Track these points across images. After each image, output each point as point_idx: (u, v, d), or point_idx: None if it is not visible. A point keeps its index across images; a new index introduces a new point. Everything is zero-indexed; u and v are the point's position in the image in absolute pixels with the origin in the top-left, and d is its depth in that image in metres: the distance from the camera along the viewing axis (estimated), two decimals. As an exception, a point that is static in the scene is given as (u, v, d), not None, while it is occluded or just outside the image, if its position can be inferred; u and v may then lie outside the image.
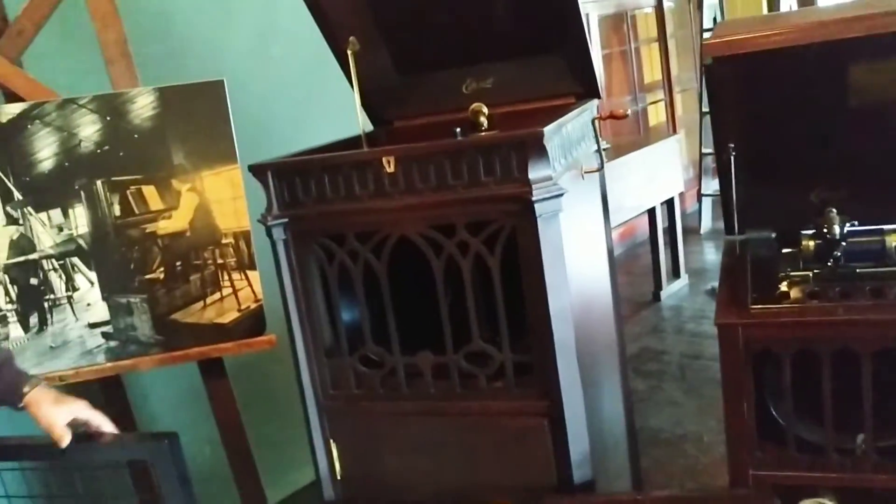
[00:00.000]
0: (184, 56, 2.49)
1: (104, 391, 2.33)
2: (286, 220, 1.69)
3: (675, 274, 4.76)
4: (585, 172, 1.81)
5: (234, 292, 2.13)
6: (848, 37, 1.44)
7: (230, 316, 2.14)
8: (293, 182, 1.66)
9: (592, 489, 1.64)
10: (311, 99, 2.78)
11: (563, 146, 1.66)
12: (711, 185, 5.86)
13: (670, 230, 4.72)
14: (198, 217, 2.10)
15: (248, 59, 2.70)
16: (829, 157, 1.73)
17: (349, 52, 1.90)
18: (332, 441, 1.79)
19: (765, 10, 5.97)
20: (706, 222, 5.78)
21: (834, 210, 1.57)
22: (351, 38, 1.91)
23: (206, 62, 2.46)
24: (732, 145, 1.71)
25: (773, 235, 1.76)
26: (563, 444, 1.59)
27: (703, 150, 5.71)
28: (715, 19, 5.63)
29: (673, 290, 4.69)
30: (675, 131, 5.48)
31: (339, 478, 1.81)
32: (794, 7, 5.66)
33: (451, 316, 1.66)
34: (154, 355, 2.10)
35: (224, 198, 2.10)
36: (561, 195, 1.50)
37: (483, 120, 1.81)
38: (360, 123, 2.01)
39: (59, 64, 2.20)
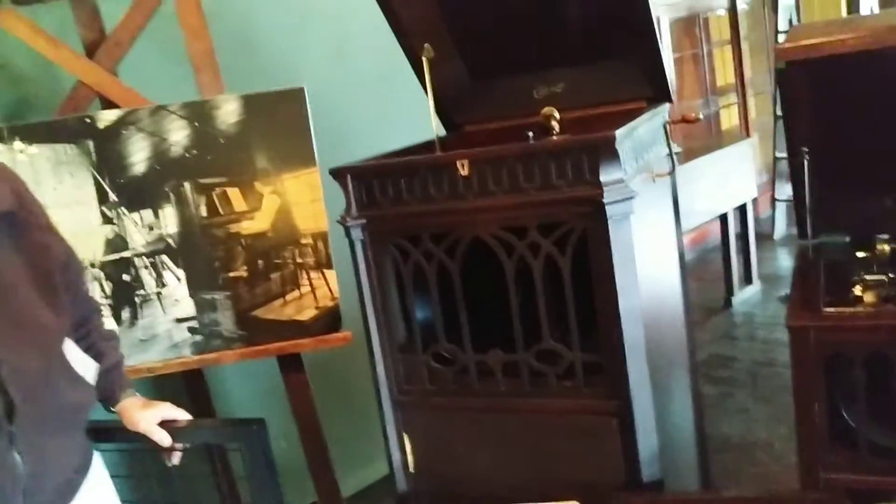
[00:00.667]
0: (266, 65, 2.60)
1: (187, 384, 2.46)
2: (364, 220, 1.76)
3: (748, 280, 4.69)
4: (657, 176, 1.83)
5: (312, 290, 2.22)
6: None
7: (308, 313, 2.22)
8: (371, 184, 1.74)
9: (661, 489, 1.66)
10: (386, 104, 2.87)
11: (635, 149, 1.69)
12: (786, 190, 5.74)
13: (743, 235, 4.65)
14: (279, 218, 2.20)
15: (327, 66, 2.81)
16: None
17: (424, 59, 1.96)
18: (405, 435, 1.85)
19: (843, 13, 5.82)
20: (780, 228, 5.66)
21: (910, 214, 1.56)
22: (426, 45, 1.97)
23: (287, 70, 2.57)
24: (806, 149, 1.71)
25: (847, 240, 1.75)
26: (632, 443, 1.62)
27: (777, 155, 5.60)
28: (790, 21, 5.52)
29: (745, 296, 4.62)
30: (748, 135, 5.40)
31: (411, 471, 1.87)
32: (875, 9, 5.50)
33: (521, 315, 1.70)
34: (236, 349, 2.21)
35: (303, 200, 2.19)
36: (632, 198, 1.53)
37: (554, 124, 1.85)
38: (434, 128, 2.07)
39: (150, 72, 2.33)
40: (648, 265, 1.70)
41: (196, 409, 2.37)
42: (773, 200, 5.65)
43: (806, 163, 1.71)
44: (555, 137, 1.67)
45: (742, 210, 4.60)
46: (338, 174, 1.76)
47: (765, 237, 5.48)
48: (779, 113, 5.54)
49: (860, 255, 1.63)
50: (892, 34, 1.46)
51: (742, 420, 3.34)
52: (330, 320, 2.22)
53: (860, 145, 1.72)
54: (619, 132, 1.53)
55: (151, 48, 2.29)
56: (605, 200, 1.51)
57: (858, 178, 1.76)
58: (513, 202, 1.61)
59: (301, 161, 2.18)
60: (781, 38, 5.53)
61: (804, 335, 1.45)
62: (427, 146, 2.01)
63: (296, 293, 2.22)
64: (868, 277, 1.55)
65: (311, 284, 2.22)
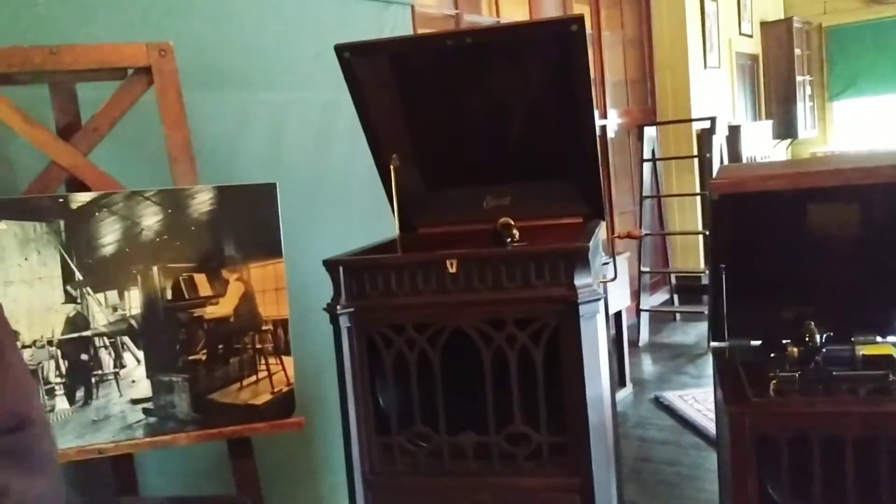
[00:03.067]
0: (240, 159, 2.76)
1: (115, 467, 2.42)
2: (352, 309, 1.91)
3: (622, 383, 5.10)
4: (601, 282, 2.12)
5: (269, 376, 2.31)
6: (818, 186, 1.83)
7: (263, 398, 2.30)
8: (362, 277, 1.91)
9: (613, 560, 1.86)
10: (348, 201, 3.07)
11: (592, 259, 1.97)
12: (648, 301, 6.32)
13: (617, 341, 5.08)
14: (242, 304, 2.29)
15: (298, 163, 3.00)
16: (800, 280, 2.10)
17: (391, 168, 2.20)
18: (374, 515, 1.96)
19: (694, 145, 6.63)
20: (644, 336, 6.19)
21: (812, 323, 1.91)
22: (393, 156, 2.21)
23: (261, 166, 2.74)
24: (724, 265, 2.06)
25: (759, 343, 2.09)
26: (592, 518, 1.82)
27: (642, 269, 6.19)
28: (653, 151, 6.23)
29: (619, 397, 5.01)
30: (613, 250, 5.95)
31: (378, 550, 1.97)
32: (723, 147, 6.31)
33: (493, 400, 1.90)
34: (189, 432, 2.24)
35: (267, 288, 2.31)
36: (599, 299, 1.80)
37: (515, 233, 2.11)
38: (397, 228, 2.29)
39: (118, 160, 2.41)
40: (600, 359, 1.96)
41: (118, 483, 2.37)
42: (638, 311, 6.19)
43: (724, 277, 2.05)
44: (534, 246, 1.92)
45: (617, 318, 5.05)
46: (331, 266, 1.92)
47: (631, 344, 5.98)
48: (646, 231, 6.17)
49: (773, 355, 1.96)
50: (804, 178, 1.85)
51: (632, 510, 3.62)
52: (284, 405, 2.31)
53: (765, 264, 2.09)
54: (590, 244, 1.80)
55: (122, 135, 2.38)
56: (579, 301, 1.76)
57: (763, 291, 2.12)
58: (494, 298, 1.83)
59: (268, 251, 2.30)
60: (647, 166, 6.23)
61: (741, 420, 1.73)
62: (390, 245, 2.21)
63: (253, 378, 2.30)
64: (782, 374, 1.88)
65: (268, 370, 2.31)
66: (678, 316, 6.76)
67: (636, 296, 6.20)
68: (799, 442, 1.73)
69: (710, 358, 5.83)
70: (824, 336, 1.88)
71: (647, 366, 5.80)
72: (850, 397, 1.76)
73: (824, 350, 1.87)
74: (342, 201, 3.07)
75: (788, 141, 8.83)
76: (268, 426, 2.29)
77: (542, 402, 1.84)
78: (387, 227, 2.38)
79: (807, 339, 1.89)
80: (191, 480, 2.73)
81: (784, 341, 1.98)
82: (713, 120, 6.03)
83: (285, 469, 2.80)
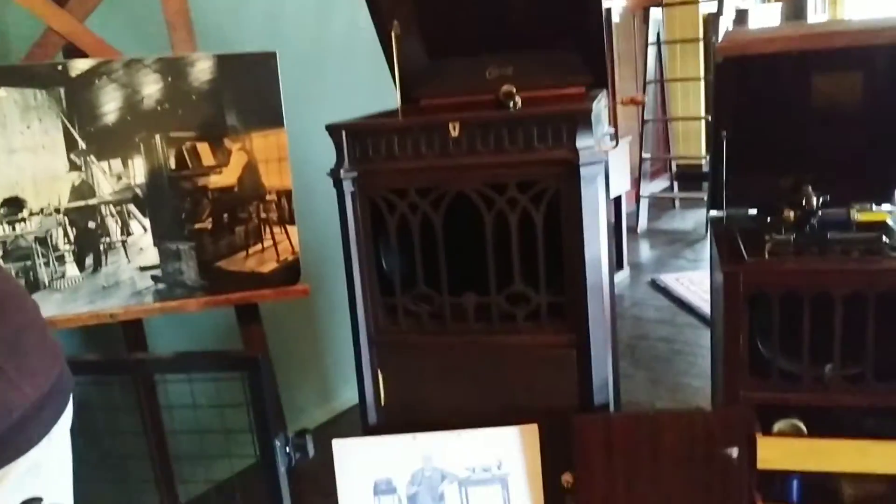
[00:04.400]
0: (241, 27, 2.71)
1: (126, 333, 2.51)
2: (356, 174, 1.93)
3: (619, 265, 5.18)
4: (603, 150, 2.13)
5: (275, 245, 2.35)
6: (824, 47, 1.81)
7: (269, 266, 2.35)
8: (365, 141, 1.92)
9: (608, 410, 1.96)
10: (349, 73, 3.04)
11: (594, 124, 1.97)
12: (648, 188, 6.34)
13: (616, 226, 5.13)
14: (245, 174, 2.31)
15: (299, 34, 2.94)
16: (799, 147, 2.11)
17: (393, 35, 2.17)
18: (379, 372, 2.04)
19: (700, 29, 6.49)
20: (643, 222, 6.24)
21: (810, 187, 1.94)
22: (395, 23, 2.18)
23: (261, 36, 2.69)
24: (725, 132, 2.06)
25: (755, 211, 2.12)
26: (587, 372, 1.90)
27: (643, 156, 6.18)
28: (658, 34, 6.10)
29: (616, 280, 5.10)
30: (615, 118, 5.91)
31: (382, 404, 2.06)
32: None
33: (487, 265, 1.94)
34: (198, 298, 2.30)
35: (270, 158, 2.32)
36: (601, 162, 1.82)
37: (517, 101, 2.10)
38: (398, 99, 2.28)
39: (119, 27, 2.37)
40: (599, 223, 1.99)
41: (129, 346, 2.46)
42: (638, 198, 6.22)
43: (725, 143, 2.05)
44: (538, 108, 1.92)
45: (617, 202, 5.08)
46: (334, 130, 1.93)
47: (630, 230, 6.04)
48: (648, 117, 6.12)
49: (769, 220, 2.00)
50: (810, 40, 1.83)
51: (625, 384, 3.74)
52: (289, 273, 2.37)
53: (766, 132, 2.10)
54: (593, 105, 1.80)
55: (118, 3, 2.34)
56: (580, 163, 1.78)
57: (761, 159, 2.13)
58: (496, 162, 1.85)
59: (269, 121, 2.30)
60: (651, 49, 6.11)
61: (735, 278, 1.78)
62: (391, 115, 2.21)
63: (258, 246, 2.35)
64: (777, 237, 1.91)
65: (273, 239, 2.35)
66: (677, 203, 6.80)
67: (636, 183, 6.21)
68: (789, 301, 1.78)
69: (707, 243, 5.91)
70: (821, 200, 1.90)
71: (645, 251, 5.88)
72: (842, 257, 1.80)
73: (820, 213, 1.90)
74: (343, 72, 3.04)
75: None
76: (274, 293, 2.35)
77: (541, 264, 1.89)
78: (388, 98, 2.37)
79: (804, 202, 1.92)
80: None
81: (785, 206, 2.01)
82: (720, 2, 5.87)
83: (292, 341, 2.90)
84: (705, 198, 6.12)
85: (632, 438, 1.85)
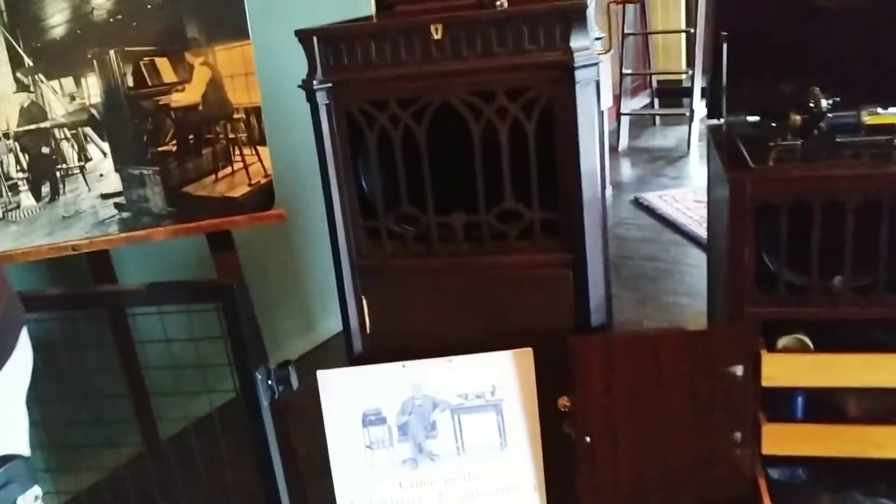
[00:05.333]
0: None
1: (92, 266, 2.36)
2: (330, 84, 1.78)
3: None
4: (598, 53, 1.97)
5: (245, 167, 2.20)
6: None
7: (241, 190, 2.20)
8: (339, 48, 1.75)
9: (606, 331, 1.87)
10: None
11: (588, 25, 1.82)
12: (629, 105, 6.19)
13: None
14: (210, 91, 2.14)
15: None
16: (802, 50, 1.97)
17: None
18: (363, 298, 1.93)
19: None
20: (623, 140, 6.11)
21: (817, 89, 1.81)
22: (368, -81, 1.98)
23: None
24: (725, 33, 1.92)
25: (758, 118, 2.00)
26: (584, 292, 1.80)
27: (623, 72, 6.00)
28: (638, -57, 5.84)
29: (599, 199, 4.99)
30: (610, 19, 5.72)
31: (367, 332, 1.95)
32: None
33: (476, 181, 1.81)
34: (166, 226, 2.15)
35: (236, 73, 2.15)
36: (597, 64, 1.67)
37: (502, 1, 1.94)
38: (373, 5, 2.10)
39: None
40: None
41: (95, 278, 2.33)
42: (619, 115, 6.07)
43: (725, 46, 1.91)
44: (527, 5, 1.76)
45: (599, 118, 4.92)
46: (304, 36, 1.76)
47: (611, 149, 5.90)
48: (627, 30, 5.92)
49: (774, 125, 1.88)
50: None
51: (613, 304, 3.68)
52: (263, 197, 2.22)
53: (768, 35, 1.95)
54: (588, 2, 1.65)
55: None
56: (575, 65, 1.64)
57: (764, 65, 2.00)
58: (484, 67, 1.70)
59: (234, 33, 2.11)
60: (631, -41, 5.85)
61: (741, 187, 1.67)
62: (365, 20, 2.03)
63: (228, 169, 2.19)
64: (783, 143, 1.80)
65: (244, 161, 2.20)
66: (658, 120, 6.66)
67: (617, 100, 6.05)
68: (795, 210, 1.68)
69: (690, 160, 5.81)
70: (830, 102, 1.78)
71: (627, 169, 5.77)
72: (854, 162, 1.69)
73: (830, 117, 1.78)
74: None
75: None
76: (248, 219, 2.20)
77: (534, 178, 1.76)
78: (362, 4, 2.19)
79: (811, 105, 1.80)
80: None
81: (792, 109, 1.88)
82: None
83: (271, 269, 2.77)
84: (687, 114, 5.99)
85: (632, 360, 1.76)
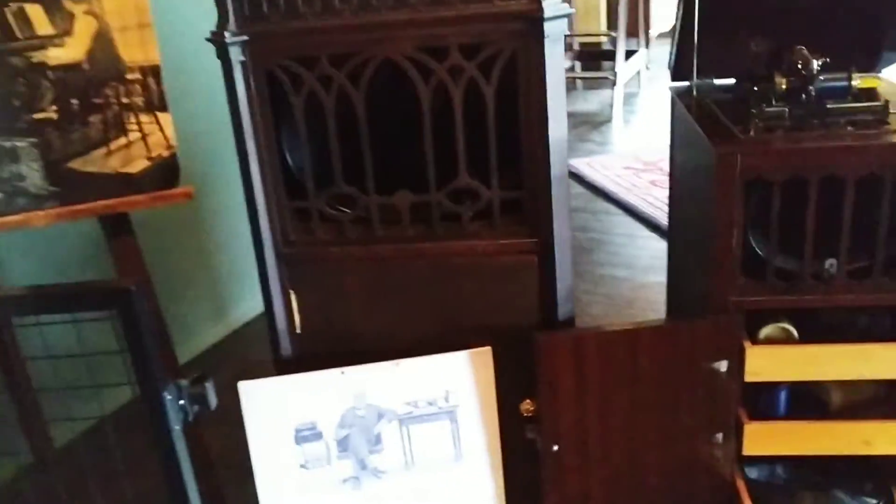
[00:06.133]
0: None
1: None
2: (246, 37, 1.46)
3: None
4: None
5: (144, 137, 1.85)
6: None
7: (139, 165, 1.86)
8: (256, -8, 1.44)
9: (572, 326, 1.64)
10: None
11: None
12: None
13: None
14: (97, 47, 1.78)
15: None
16: (769, 8, 1.77)
17: None
18: (291, 293, 1.64)
19: None
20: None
21: (805, 48, 1.61)
22: None
23: None
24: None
25: (732, 82, 1.79)
26: (551, 281, 1.57)
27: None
28: None
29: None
30: None
31: (297, 332, 1.67)
32: None
33: (423, 154, 1.54)
34: (49, 209, 1.79)
35: (128, 24, 1.79)
36: (568, 15, 1.42)
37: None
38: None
39: None
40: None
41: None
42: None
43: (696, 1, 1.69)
44: None
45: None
46: (213, -23, 1.43)
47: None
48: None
49: (755, 89, 1.67)
50: None
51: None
52: (165, 173, 1.88)
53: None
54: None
55: None
56: (544, 16, 1.38)
57: (731, 22, 1.79)
58: (434, 17, 1.42)
59: (123, -25, 1.76)
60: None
61: (731, 160, 1.46)
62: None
63: (122, 140, 1.84)
64: (769, 109, 1.59)
65: (141, 130, 1.85)
66: (579, 83, 6.49)
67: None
68: (788, 186, 1.48)
69: (613, 125, 5.67)
70: (820, 63, 1.59)
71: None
72: (854, 131, 1.50)
73: (822, 78, 1.58)
74: None
75: None
76: (149, 198, 1.86)
77: (493, 150, 1.50)
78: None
79: (799, 66, 1.59)
80: (65, 270, 2.33)
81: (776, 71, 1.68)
82: None
83: (175, 251, 2.42)
84: (610, 77, 5.84)
85: (606, 357, 1.54)
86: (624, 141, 5.29)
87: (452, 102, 1.47)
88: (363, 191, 1.56)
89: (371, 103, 1.50)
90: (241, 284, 2.98)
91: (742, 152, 1.46)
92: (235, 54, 1.46)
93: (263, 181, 1.55)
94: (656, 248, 3.70)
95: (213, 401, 1.41)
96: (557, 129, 1.46)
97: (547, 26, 1.39)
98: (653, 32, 6.92)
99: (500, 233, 1.56)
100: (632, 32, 6.37)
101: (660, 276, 3.33)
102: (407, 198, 1.56)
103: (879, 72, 1.85)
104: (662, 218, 3.83)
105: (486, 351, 1.59)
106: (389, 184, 1.57)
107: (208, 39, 1.48)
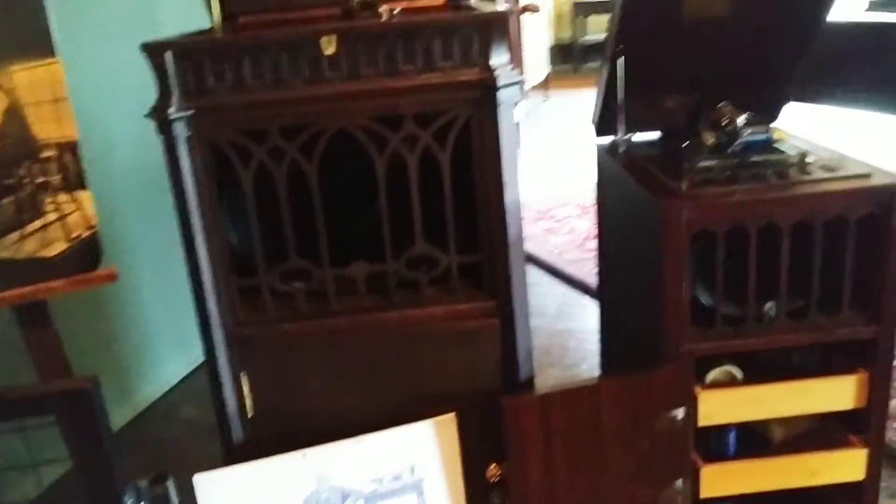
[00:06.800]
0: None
1: None
2: (192, 112, 1.40)
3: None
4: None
5: (62, 218, 1.73)
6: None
7: (57, 247, 1.73)
8: (202, 66, 1.38)
9: (532, 386, 1.64)
10: None
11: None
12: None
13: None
14: (8, 123, 1.65)
15: None
16: (682, 65, 1.88)
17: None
18: (243, 375, 1.55)
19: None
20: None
21: (729, 104, 1.72)
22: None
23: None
24: (622, 46, 1.78)
25: (659, 137, 1.88)
26: (512, 343, 1.57)
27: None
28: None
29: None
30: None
31: (249, 416, 1.58)
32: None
33: (378, 222, 1.52)
34: (-45, 302, 1.64)
35: (42, 99, 1.68)
36: (519, 83, 1.45)
37: (384, 10, 1.66)
38: (216, 13, 1.74)
39: None
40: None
41: None
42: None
43: (621, 63, 1.77)
44: (443, 13, 1.49)
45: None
46: (154, 52, 1.36)
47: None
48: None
49: (685, 145, 1.75)
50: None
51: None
52: (86, 254, 1.76)
53: (652, 53, 1.83)
54: (504, 9, 1.42)
55: None
56: (498, 84, 1.40)
57: (648, 79, 1.88)
58: (388, 87, 1.41)
59: (36, 48, 1.66)
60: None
61: (677, 215, 1.52)
62: (207, 33, 1.67)
63: (38, 223, 1.71)
64: (702, 164, 1.67)
65: (58, 210, 1.73)
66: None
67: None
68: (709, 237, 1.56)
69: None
70: (745, 118, 1.69)
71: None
72: (785, 182, 1.60)
73: (747, 133, 1.68)
74: None
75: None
76: (68, 283, 1.74)
77: (449, 216, 1.50)
78: (198, 15, 1.81)
79: (725, 123, 1.69)
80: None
81: (705, 126, 1.77)
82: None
83: (92, 341, 2.24)
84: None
85: (572, 416, 1.55)
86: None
87: (408, 170, 1.45)
88: (318, 263, 1.51)
89: (323, 172, 1.46)
90: (144, 365, 2.80)
91: (687, 206, 1.53)
92: (180, 130, 1.40)
93: (211, 260, 1.48)
94: (562, 295, 3.78)
95: (174, 501, 1.32)
96: (512, 192, 1.48)
97: (500, 94, 1.41)
98: (526, 87, 7.20)
99: (458, 298, 1.55)
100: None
101: (570, 323, 3.41)
102: (363, 268, 1.52)
103: (776, 120, 1.98)
104: (564, 265, 3.94)
105: (451, 418, 1.56)
106: (343, 253, 1.53)
107: (148, 115, 1.41)
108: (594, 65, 7.47)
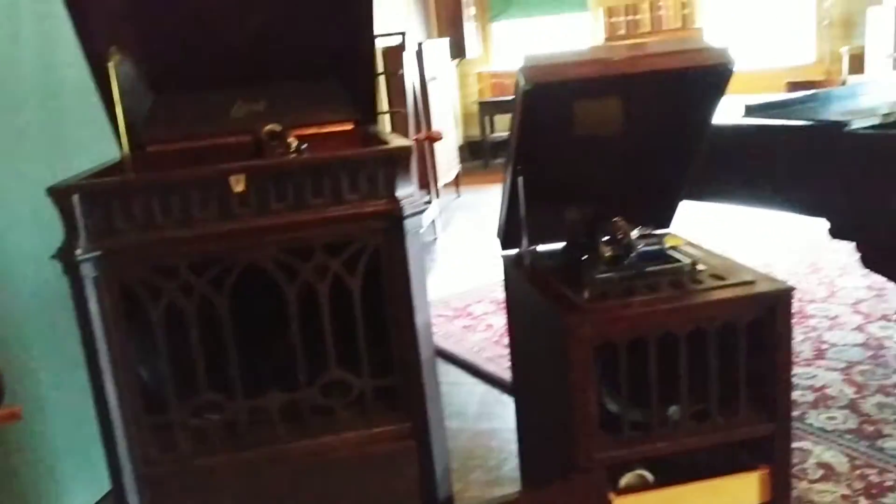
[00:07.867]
0: None
1: None
2: (100, 252, 1.40)
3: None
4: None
5: (-40, 358, 1.67)
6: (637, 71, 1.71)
7: (-47, 390, 1.66)
8: (110, 207, 1.40)
9: (453, 503, 1.65)
10: (51, 120, 2.28)
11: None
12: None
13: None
14: None
15: None
16: (580, 179, 1.99)
17: (111, 65, 1.67)
18: (154, 514, 1.51)
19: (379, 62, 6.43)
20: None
21: (621, 219, 1.82)
22: (113, 48, 1.68)
23: None
24: (520, 166, 1.88)
25: (561, 248, 1.97)
26: (429, 463, 1.58)
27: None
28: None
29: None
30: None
31: (162, 558, 1.53)
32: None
33: (290, 350, 1.53)
34: None
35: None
36: (423, 211, 1.51)
37: (292, 142, 1.72)
38: (124, 145, 1.77)
39: None
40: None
41: None
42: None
43: (521, 180, 1.87)
44: (349, 150, 1.56)
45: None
46: (60, 195, 1.37)
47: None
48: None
49: (583, 258, 1.84)
50: (618, 64, 1.70)
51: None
52: (-15, 394, 1.70)
53: (551, 164, 1.95)
54: (410, 144, 1.50)
55: None
56: (404, 214, 1.46)
57: (543, 193, 1.98)
58: (297, 221, 1.46)
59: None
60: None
61: (580, 330, 1.58)
62: (115, 168, 1.69)
63: (-67, 365, 1.64)
64: (600, 277, 1.76)
65: (-44, 350, 1.67)
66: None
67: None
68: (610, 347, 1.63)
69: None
70: (639, 232, 1.80)
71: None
72: (680, 293, 1.69)
73: (642, 245, 1.79)
74: (43, 120, 2.31)
75: (458, 60, 9.10)
76: (-34, 426, 1.67)
77: (361, 341, 1.53)
78: (106, 146, 1.83)
79: (620, 237, 1.79)
80: None
81: (602, 240, 1.86)
82: (404, 35, 5.87)
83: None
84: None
85: (492, 534, 1.56)
86: (430, 289, 5.46)
87: (318, 298, 1.48)
88: (230, 396, 1.50)
89: (234, 303, 1.48)
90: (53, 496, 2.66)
91: (589, 321, 1.60)
92: (87, 271, 1.40)
93: (120, 400, 1.46)
94: (482, 394, 3.80)
95: None
96: (422, 314, 1.52)
97: (407, 223, 1.47)
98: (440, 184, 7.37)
99: (374, 421, 1.57)
100: (423, 184, 6.74)
101: (491, 423, 3.42)
102: (277, 399, 1.53)
103: (669, 226, 2.10)
104: (483, 364, 3.98)
105: (371, 545, 1.55)
106: (258, 382, 1.53)
107: (54, 257, 1.40)
108: (503, 160, 7.72)
